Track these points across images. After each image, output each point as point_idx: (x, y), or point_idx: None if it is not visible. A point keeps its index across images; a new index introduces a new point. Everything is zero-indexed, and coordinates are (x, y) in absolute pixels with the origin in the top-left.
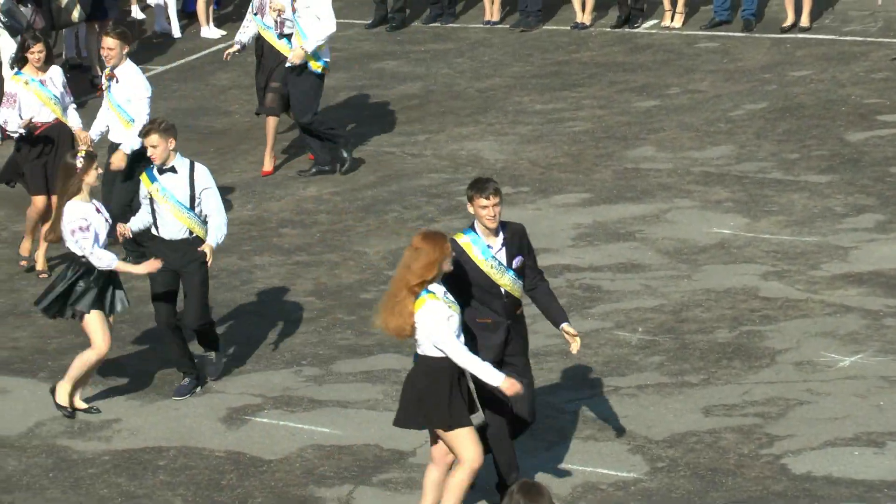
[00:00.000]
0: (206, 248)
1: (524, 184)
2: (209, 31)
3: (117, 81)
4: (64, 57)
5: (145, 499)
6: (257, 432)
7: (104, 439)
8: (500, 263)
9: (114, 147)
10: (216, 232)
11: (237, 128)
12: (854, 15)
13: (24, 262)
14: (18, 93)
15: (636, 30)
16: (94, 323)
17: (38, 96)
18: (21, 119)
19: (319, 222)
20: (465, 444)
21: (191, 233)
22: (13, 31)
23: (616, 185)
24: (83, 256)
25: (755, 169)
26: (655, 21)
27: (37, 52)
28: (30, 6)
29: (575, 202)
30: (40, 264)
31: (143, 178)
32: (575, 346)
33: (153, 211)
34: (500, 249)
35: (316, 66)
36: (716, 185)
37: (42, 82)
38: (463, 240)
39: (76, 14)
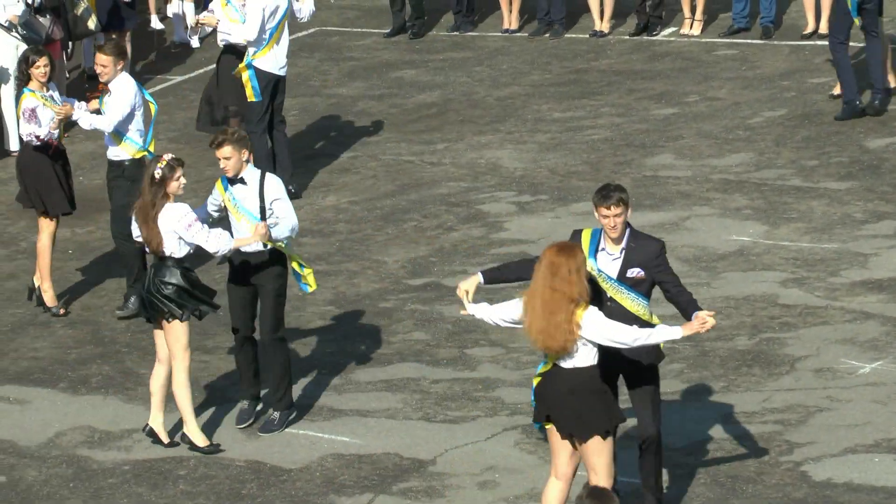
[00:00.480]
0: (262, 226)
1: (543, 192)
2: None
3: (110, 94)
4: (83, 66)
5: None
6: (277, 442)
7: (124, 449)
8: (599, 269)
9: (113, 164)
10: (279, 231)
11: None
12: None
13: (63, 311)
14: (37, 108)
15: (655, 37)
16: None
17: (54, 111)
18: (42, 127)
19: (338, 231)
20: (610, 451)
21: (265, 245)
22: (31, 43)
23: (635, 192)
24: (180, 259)
25: (774, 176)
26: (674, 28)
27: (42, 66)
28: (48, 17)
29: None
30: (51, 298)
31: (218, 186)
32: (708, 323)
33: (230, 222)
34: (618, 258)
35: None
36: (735, 192)
37: (52, 97)
38: (584, 233)
39: (92, 24)
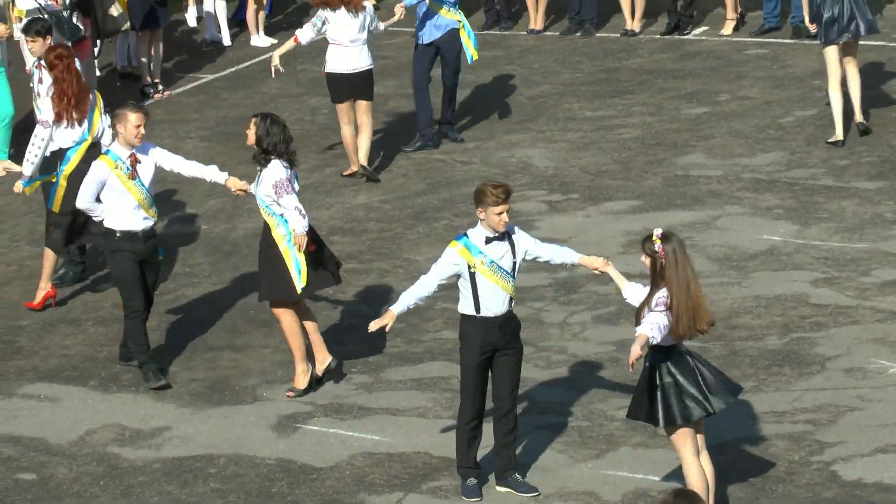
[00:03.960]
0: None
1: (574, 191)
2: (259, 40)
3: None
4: (115, 65)
5: None
6: (308, 440)
7: (154, 447)
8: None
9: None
10: None
11: None
12: None
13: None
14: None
15: (686, 37)
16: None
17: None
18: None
19: (369, 230)
20: None
21: (511, 300)
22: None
23: (666, 191)
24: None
25: (805, 175)
26: (705, 28)
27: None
28: (76, 14)
29: (625, 209)
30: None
31: (463, 251)
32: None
33: (474, 286)
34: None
35: None
36: (766, 191)
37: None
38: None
39: (124, 22)
